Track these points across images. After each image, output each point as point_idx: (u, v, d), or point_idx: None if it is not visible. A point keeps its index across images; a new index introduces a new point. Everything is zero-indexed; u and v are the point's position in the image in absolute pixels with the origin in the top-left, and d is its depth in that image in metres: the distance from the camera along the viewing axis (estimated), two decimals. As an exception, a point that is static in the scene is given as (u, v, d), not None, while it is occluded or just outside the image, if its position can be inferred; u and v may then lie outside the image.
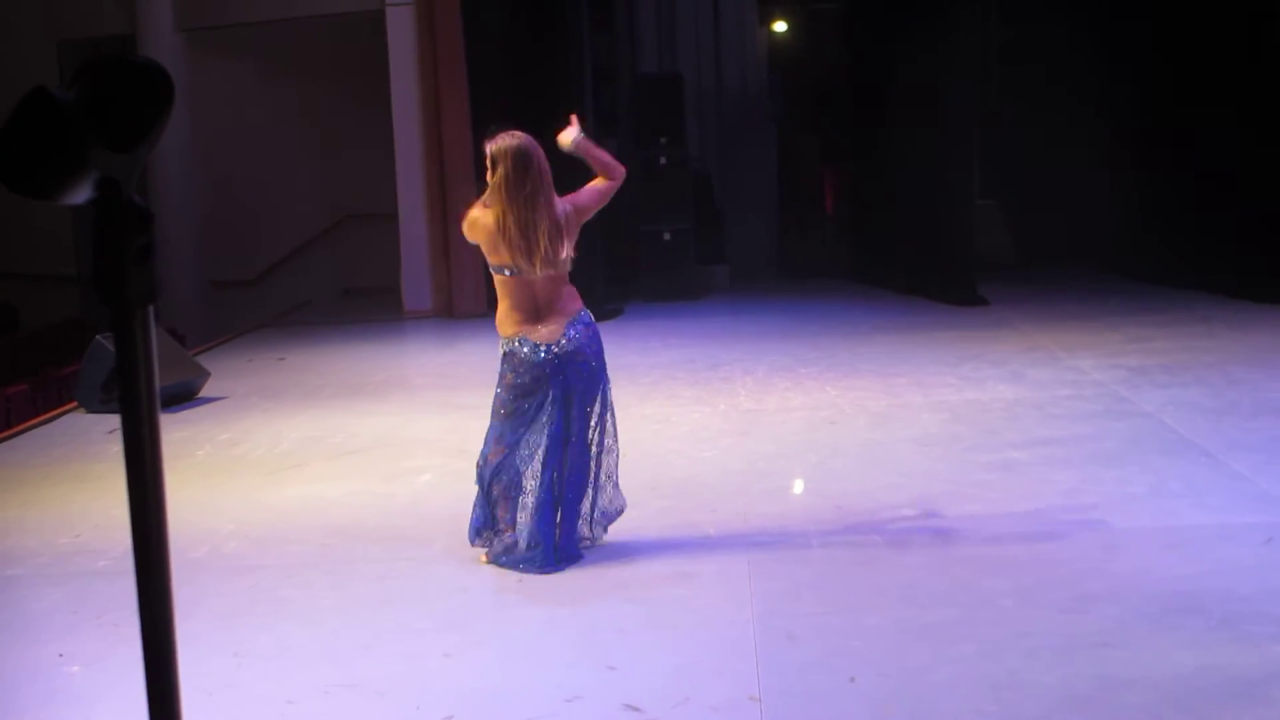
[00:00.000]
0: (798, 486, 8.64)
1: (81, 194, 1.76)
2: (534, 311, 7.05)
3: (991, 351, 12.63)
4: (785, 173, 20.68)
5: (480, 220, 6.98)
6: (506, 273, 7.00)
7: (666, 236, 17.93)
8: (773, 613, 6.14)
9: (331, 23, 19.16)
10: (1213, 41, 15.33)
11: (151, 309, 1.83)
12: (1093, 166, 18.39)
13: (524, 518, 7.00)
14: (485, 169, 7.05)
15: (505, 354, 7.07)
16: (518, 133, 7.09)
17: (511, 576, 6.89)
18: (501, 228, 6.92)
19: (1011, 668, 5.37)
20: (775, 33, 21.59)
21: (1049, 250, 19.44)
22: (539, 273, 6.99)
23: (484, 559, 7.12)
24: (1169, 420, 9.52)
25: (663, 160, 17.87)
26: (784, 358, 12.92)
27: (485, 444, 7.15)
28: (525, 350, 6.99)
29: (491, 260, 7.02)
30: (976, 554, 6.88)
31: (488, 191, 7.03)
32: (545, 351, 6.99)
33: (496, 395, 7.11)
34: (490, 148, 7.02)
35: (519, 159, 6.94)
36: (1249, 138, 14.94)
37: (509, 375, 7.05)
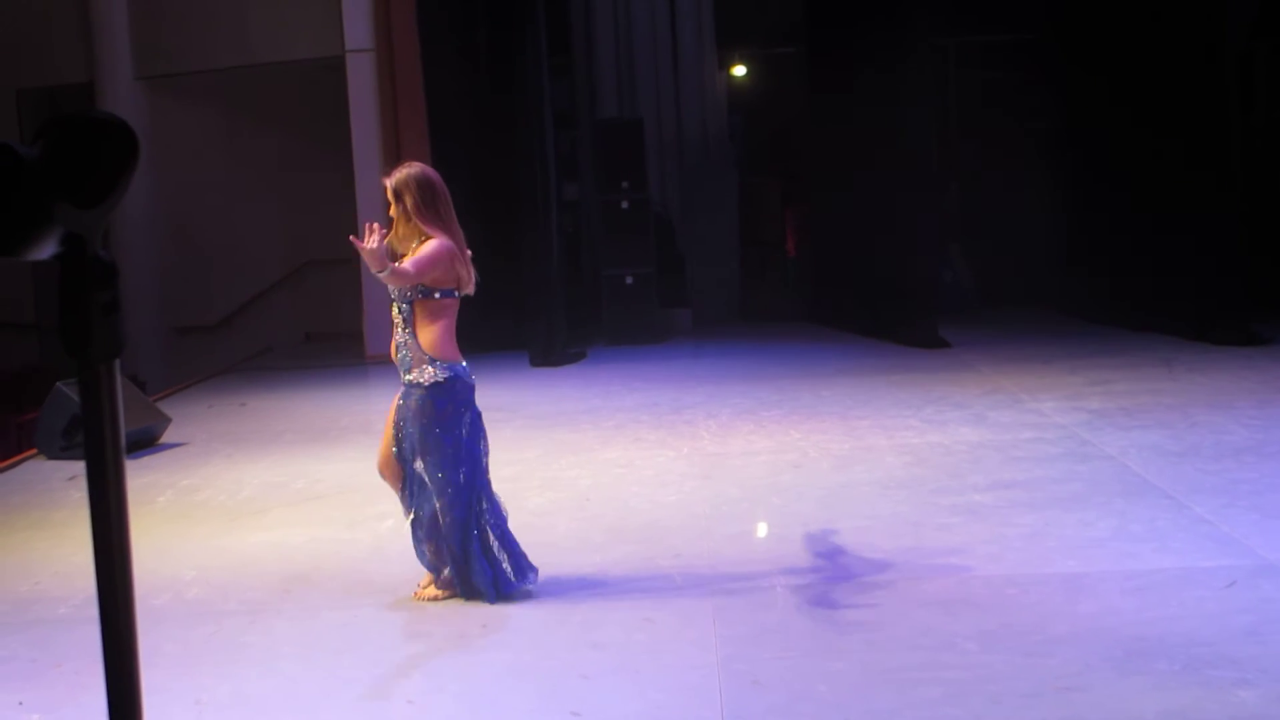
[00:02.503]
0: (761, 530, 8.63)
1: (46, 250, 1.75)
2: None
3: (954, 394, 12.67)
4: (747, 216, 20.71)
5: (449, 246, 6.96)
6: (455, 294, 7.04)
7: (629, 280, 17.95)
8: (737, 657, 6.13)
9: (292, 69, 19.17)
10: (1169, 87, 15.44)
11: (117, 362, 1.82)
12: (1051, 208, 18.52)
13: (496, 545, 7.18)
14: (396, 204, 7.05)
15: (450, 379, 7.00)
16: (414, 162, 7.16)
17: (474, 622, 6.86)
18: (460, 249, 6.99)
19: (976, 712, 5.36)
20: (735, 77, 21.65)
21: (1008, 292, 19.53)
22: (471, 290, 7.11)
23: (426, 594, 7.18)
24: (1131, 463, 9.56)
25: (624, 204, 17.90)
26: (747, 400, 12.93)
27: (465, 493, 7.10)
28: (467, 375, 7.09)
29: (444, 284, 6.99)
30: (940, 597, 6.89)
31: (401, 225, 7.04)
32: (472, 376, 7.12)
33: (454, 435, 7.05)
34: (390, 181, 7.04)
35: (424, 185, 7.00)
36: (1206, 183, 15.05)
37: (454, 405, 7.03)
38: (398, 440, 7.14)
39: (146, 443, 12.08)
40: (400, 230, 7.07)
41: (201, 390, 16.04)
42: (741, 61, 21.65)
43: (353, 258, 17.63)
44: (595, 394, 13.82)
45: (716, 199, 20.38)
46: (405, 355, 7.04)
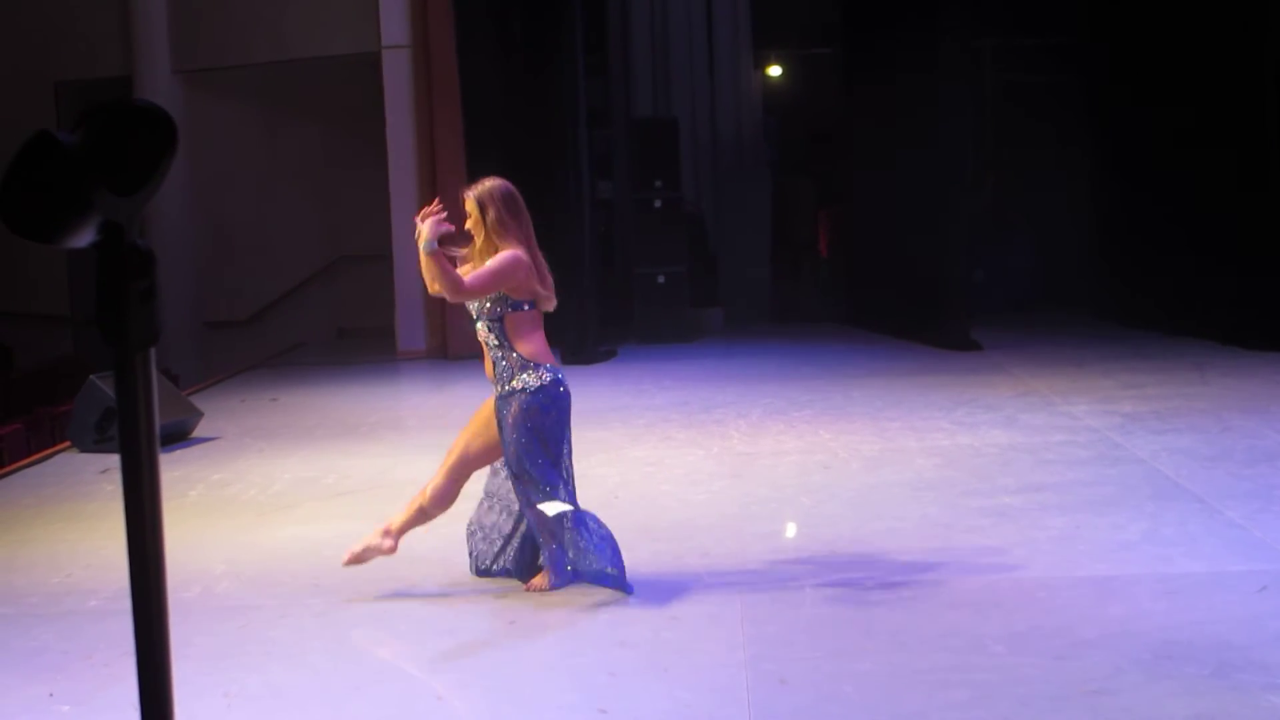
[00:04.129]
0: (791, 530, 8.63)
1: (84, 237, 1.76)
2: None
3: (985, 396, 12.64)
4: (780, 216, 20.71)
5: (520, 256, 6.95)
6: (530, 306, 7.03)
7: (661, 279, 17.95)
8: (765, 657, 6.12)
9: (328, 65, 19.23)
10: (1206, 93, 15.38)
11: (152, 350, 1.83)
12: (1085, 212, 18.46)
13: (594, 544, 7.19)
14: (479, 216, 7.02)
15: (553, 382, 7.01)
16: (495, 177, 7.15)
17: (502, 618, 6.87)
18: (535, 261, 6.99)
19: (1004, 714, 5.35)
20: (770, 77, 21.64)
21: (1041, 295, 19.50)
22: (551, 307, 7.13)
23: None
24: (1163, 467, 9.52)
25: (657, 203, 17.91)
26: (778, 401, 12.92)
27: (569, 487, 7.14)
28: (566, 382, 7.13)
29: (523, 296, 6.99)
30: (969, 599, 6.87)
31: (480, 240, 7.03)
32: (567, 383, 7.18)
33: (555, 435, 7.07)
34: (472, 194, 7.01)
35: (509, 199, 7.00)
36: (1238, 186, 14.98)
37: (558, 409, 7.05)
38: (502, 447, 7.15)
39: (179, 436, 12.13)
40: (479, 244, 7.06)
41: (234, 385, 16.10)
42: (777, 62, 21.65)
43: (386, 254, 17.70)
44: (626, 392, 13.83)
45: (750, 199, 20.38)
46: (504, 368, 7.02)
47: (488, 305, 6.98)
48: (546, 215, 16.43)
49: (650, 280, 18.00)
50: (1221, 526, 7.96)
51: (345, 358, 18.22)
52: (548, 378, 7.00)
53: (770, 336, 18.25)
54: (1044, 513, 8.47)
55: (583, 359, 16.07)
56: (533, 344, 7.02)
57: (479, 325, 7.09)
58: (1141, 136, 16.65)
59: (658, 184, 17.93)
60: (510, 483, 7.18)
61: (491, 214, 6.96)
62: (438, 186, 17.29)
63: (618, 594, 7.14)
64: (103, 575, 7.91)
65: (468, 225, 7.06)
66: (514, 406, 6.99)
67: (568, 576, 7.14)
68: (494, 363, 7.08)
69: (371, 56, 17.98)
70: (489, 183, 7.07)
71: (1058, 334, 16.89)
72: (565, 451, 7.13)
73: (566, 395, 7.09)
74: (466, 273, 7.04)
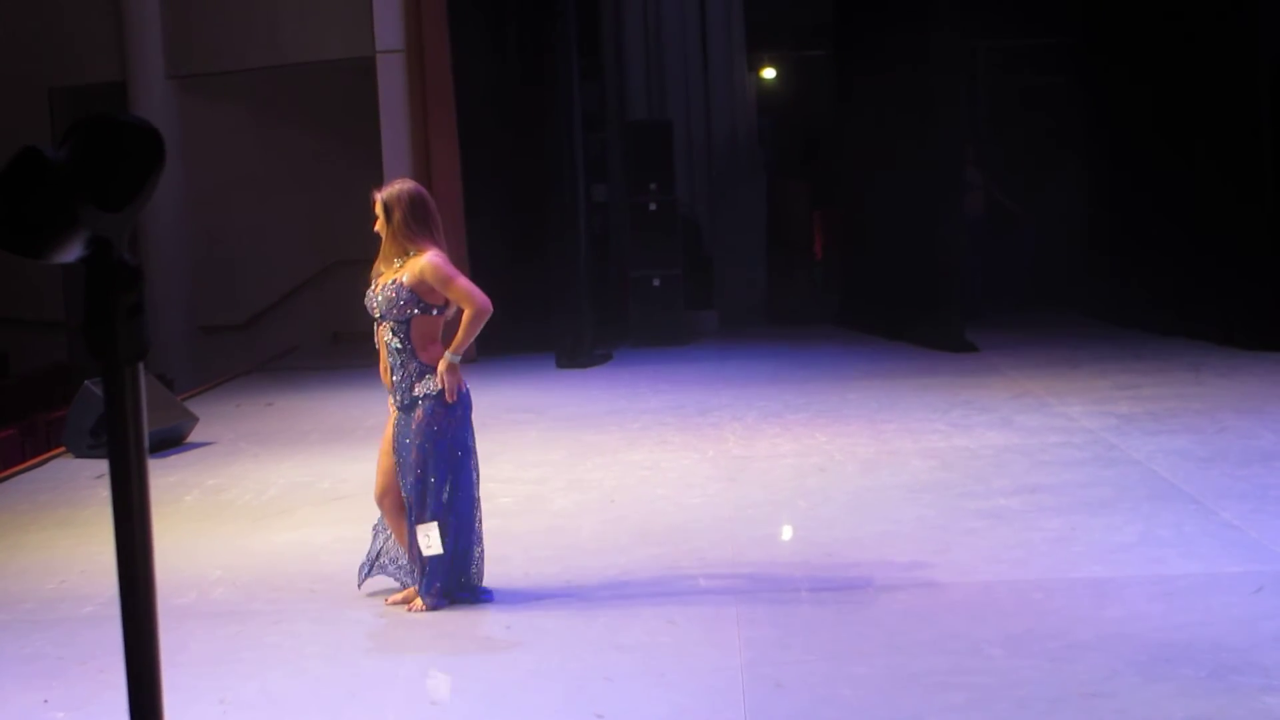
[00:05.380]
0: (786, 533, 8.63)
1: (72, 252, 1.76)
2: None
3: (980, 398, 12.63)
4: (774, 218, 20.70)
5: (444, 259, 6.96)
6: (439, 311, 7.02)
7: (656, 282, 17.93)
8: (761, 660, 6.12)
9: (322, 69, 19.22)
10: (1201, 93, 15.38)
11: (141, 364, 1.83)
12: (1078, 212, 18.47)
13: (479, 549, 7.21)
14: (384, 218, 7.00)
15: (465, 393, 7.01)
16: (407, 179, 7.15)
17: (499, 624, 6.87)
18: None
19: (1001, 717, 5.35)
20: (764, 79, 21.65)
21: (1036, 295, 19.49)
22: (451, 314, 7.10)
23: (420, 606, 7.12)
24: (1158, 468, 9.52)
25: (652, 206, 17.88)
26: (773, 404, 12.91)
27: (467, 497, 7.11)
28: (464, 380, 7.10)
29: (437, 300, 6.97)
30: (966, 602, 6.87)
31: (386, 241, 7.01)
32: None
33: (460, 439, 7.02)
34: (380, 195, 7.00)
35: (416, 203, 6.98)
36: (1234, 186, 14.98)
37: (464, 410, 7.02)
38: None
39: (174, 442, 12.11)
40: (386, 248, 7.04)
41: (229, 389, 16.08)
42: (771, 64, 21.66)
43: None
44: (621, 396, 13.81)
45: (745, 201, 20.38)
46: (404, 376, 6.98)
47: (401, 304, 6.93)
48: (541, 218, 16.58)
49: (645, 283, 17.98)
50: (1217, 527, 7.96)
51: (340, 362, 18.18)
52: (464, 389, 7.01)
53: (765, 339, 18.22)
54: (1040, 514, 8.47)
55: (578, 362, 16.06)
56: (433, 351, 6.98)
57: (382, 325, 7.04)
58: (1138, 137, 16.65)
59: (652, 187, 17.91)
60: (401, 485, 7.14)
61: (396, 216, 6.96)
62: (432, 191, 17.27)
63: (614, 597, 7.15)
64: (97, 581, 7.89)
65: (376, 227, 7.05)
66: (418, 413, 6.96)
67: (438, 600, 7.09)
68: (392, 369, 7.03)
69: (366, 61, 17.95)
70: (398, 185, 7.09)
71: (1053, 335, 16.87)
72: (470, 448, 7.08)
73: (467, 393, 7.07)
74: (379, 266, 7.08)
